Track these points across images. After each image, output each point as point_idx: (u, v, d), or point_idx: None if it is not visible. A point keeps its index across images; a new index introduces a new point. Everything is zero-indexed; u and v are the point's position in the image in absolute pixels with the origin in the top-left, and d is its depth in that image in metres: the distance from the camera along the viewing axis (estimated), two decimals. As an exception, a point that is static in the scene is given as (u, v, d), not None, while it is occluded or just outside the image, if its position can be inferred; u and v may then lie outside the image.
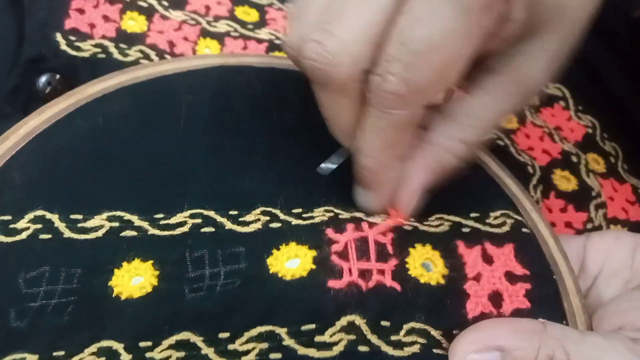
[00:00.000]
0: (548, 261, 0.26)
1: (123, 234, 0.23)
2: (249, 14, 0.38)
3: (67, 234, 0.22)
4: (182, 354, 0.20)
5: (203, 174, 0.25)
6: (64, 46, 0.31)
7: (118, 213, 0.23)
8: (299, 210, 0.25)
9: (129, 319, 0.21)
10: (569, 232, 0.33)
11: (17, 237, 0.22)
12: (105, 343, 0.20)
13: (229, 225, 0.24)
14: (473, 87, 0.24)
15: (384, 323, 0.22)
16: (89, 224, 0.23)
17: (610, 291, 0.26)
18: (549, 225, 0.27)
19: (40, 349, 0.20)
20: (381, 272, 0.23)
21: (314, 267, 0.22)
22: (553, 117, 0.39)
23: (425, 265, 0.24)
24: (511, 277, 0.25)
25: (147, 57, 0.33)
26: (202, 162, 0.26)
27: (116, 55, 0.32)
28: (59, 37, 0.31)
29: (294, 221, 0.24)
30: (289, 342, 0.21)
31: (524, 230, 0.26)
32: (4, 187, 0.24)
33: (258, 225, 0.24)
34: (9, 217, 0.23)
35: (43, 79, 0.31)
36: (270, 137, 0.28)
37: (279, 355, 0.20)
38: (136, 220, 0.23)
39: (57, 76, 0.31)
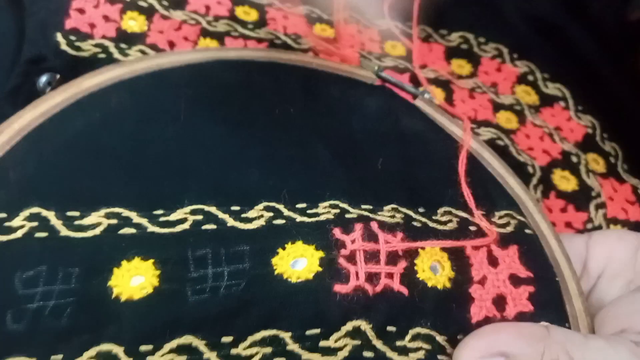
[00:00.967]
0: (551, 263, 0.26)
1: (122, 231, 0.22)
2: (249, 14, 0.37)
3: (64, 232, 0.22)
4: (183, 358, 0.20)
5: (203, 168, 0.25)
6: (64, 46, 0.31)
7: (116, 209, 0.23)
8: (303, 205, 0.24)
9: (129, 322, 0.20)
10: (570, 232, 0.33)
11: (13, 236, 0.21)
12: (104, 347, 0.20)
13: (231, 222, 0.23)
14: None
15: (390, 328, 0.22)
16: (86, 221, 0.22)
17: (613, 292, 0.26)
18: (551, 227, 0.27)
19: (38, 352, 0.19)
20: (389, 275, 0.23)
21: (320, 269, 0.22)
22: (553, 117, 0.39)
23: (433, 267, 0.24)
24: (515, 280, 0.24)
25: (147, 57, 0.32)
26: (202, 157, 0.25)
27: (116, 55, 0.32)
28: (59, 37, 0.31)
29: (299, 218, 0.24)
30: (292, 346, 0.20)
31: (527, 231, 0.26)
32: None
33: (261, 222, 0.23)
34: (4, 215, 0.22)
35: (43, 79, 0.31)
36: (272, 131, 0.27)
37: None
38: (135, 216, 0.23)
39: (57, 76, 0.31)
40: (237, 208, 0.23)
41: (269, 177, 0.25)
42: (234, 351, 0.20)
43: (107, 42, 0.32)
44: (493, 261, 0.25)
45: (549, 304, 0.24)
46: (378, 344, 0.21)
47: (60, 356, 0.19)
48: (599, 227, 0.34)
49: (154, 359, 0.20)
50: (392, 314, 0.22)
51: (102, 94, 0.26)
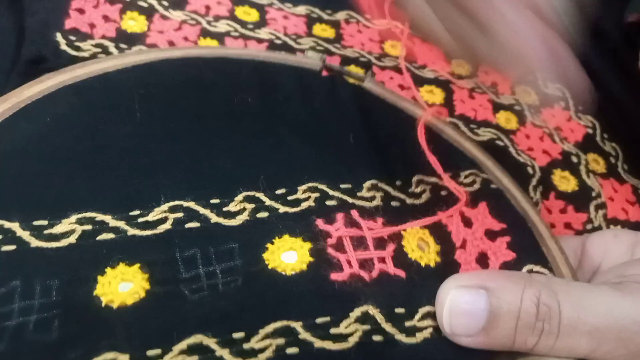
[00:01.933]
0: (520, 212, 0.27)
1: (100, 237, 0.21)
2: (249, 14, 0.37)
3: (35, 243, 0.20)
4: (195, 358, 0.19)
5: (172, 162, 0.24)
6: (64, 46, 0.31)
7: (88, 214, 0.21)
8: (283, 190, 0.24)
9: (130, 328, 0.19)
10: (569, 233, 0.33)
11: None
12: (108, 355, 0.18)
13: (214, 218, 0.23)
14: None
15: (399, 310, 0.22)
16: (57, 229, 0.21)
17: None
18: (512, 180, 0.29)
19: None
20: (382, 259, 0.23)
21: (312, 259, 0.22)
22: (553, 117, 0.39)
23: (420, 247, 0.24)
24: (491, 235, 0.25)
25: (147, 57, 0.33)
26: (168, 151, 0.24)
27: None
28: (59, 37, 0.31)
29: (281, 208, 0.23)
30: (304, 335, 0.20)
31: (492, 186, 0.27)
32: None
33: (245, 217, 0.23)
34: None
35: (43, 79, 0.31)
36: (235, 121, 0.27)
37: (295, 350, 0.20)
38: (110, 220, 0.22)
39: (57, 76, 0.31)
40: (216, 201, 0.23)
41: (242, 165, 0.25)
42: (246, 346, 0.20)
43: (107, 42, 0.32)
44: (467, 222, 0.26)
45: (527, 247, 0.25)
46: (387, 326, 0.21)
47: None
48: (599, 228, 0.34)
49: None
50: (397, 296, 0.22)
51: (47, 100, 0.25)
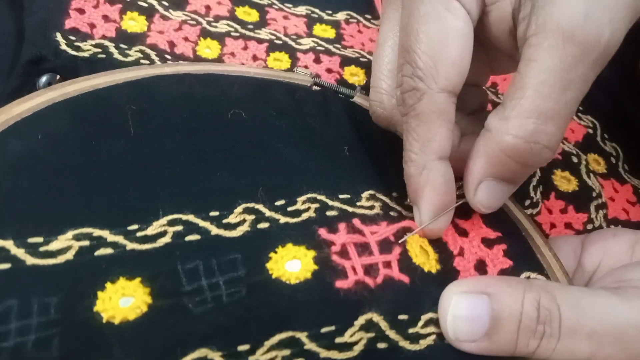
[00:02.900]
0: (513, 221, 0.27)
1: (98, 253, 0.21)
2: (249, 14, 0.37)
3: (30, 260, 0.20)
4: None
5: (169, 176, 0.24)
6: (64, 46, 0.31)
7: (85, 230, 0.21)
8: (282, 202, 0.24)
9: (132, 344, 0.19)
10: (569, 233, 0.33)
11: None
12: None
13: (214, 230, 0.22)
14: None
15: (402, 316, 0.22)
16: (53, 246, 0.20)
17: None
18: None
19: None
20: (387, 264, 0.23)
21: (316, 267, 0.22)
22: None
23: (422, 252, 0.24)
24: (487, 243, 0.25)
25: (147, 57, 0.33)
26: (164, 165, 0.24)
27: (116, 55, 0.32)
28: (59, 37, 0.31)
29: (282, 219, 0.23)
30: (310, 345, 0.20)
31: None
32: None
33: (246, 227, 0.23)
34: None
35: (43, 79, 0.31)
36: (229, 135, 0.27)
37: None
38: (108, 235, 0.21)
39: (57, 77, 0.31)
40: (216, 213, 0.23)
41: (240, 178, 0.24)
42: (252, 359, 0.19)
43: (107, 42, 0.32)
44: (462, 232, 0.26)
45: (523, 255, 0.25)
46: (391, 333, 0.21)
47: None
48: (600, 228, 0.34)
49: None
50: (401, 303, 0.22)
51: (38, 117, 0.25)
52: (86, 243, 0.21)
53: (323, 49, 0.37)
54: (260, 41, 0.36)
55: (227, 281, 0.21)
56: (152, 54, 0.33)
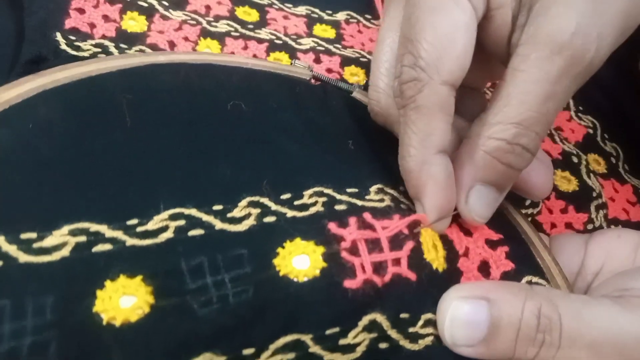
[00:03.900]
0: (513, 224, 0.27)
1: (96, 249, 0.19)
2: (249, 14, 0.37)
3: (23, 258, 0.19)
4: None
5: (169, 169, 0.22)
6: (64, 46, 0.31)
7: (81, 225, 0.20)
8: (288, 195, 0.23)
9: (135, 348, 0.18)
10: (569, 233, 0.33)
11: None
12: None
13: (218, 224, 0.21)
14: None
15: (403, 315, 0.21)
16: (48, 242, 0.19)
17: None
18: None
19: None
20: (396, 262, 0.22)
21: (325, 265, 0.21)
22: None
23: (433, 247, 0.24)
24: (491, 244, 0.25)
25: (147, 57, 0.32)
26: (163, 157, 0.23)
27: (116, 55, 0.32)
28: (59, 36, 0.31)
29: (289, 213, 0.22)
30: (314, 348, 0.20)
31: None
32: None
33: (251, 221, 0.21)
34: None
35: (43, 79, 0.31)
36: (230, 127, 0.25)
37: None
38: (106, 230, 0.20)
39: (58, 76, 0.31)
40: (219, 207, 0.22)
41: (243, 171, 0.23)
42: None
43: (107, 42, 0.32)
44: (467, 232, 0.25)
45: (524, 258, 0.25)
46: (393, 333, 0.21)
47: None
48: (600, 228, 0.34)
49: None
50: (404, 301, 0.22)
51: (27, 104, 0.23)
52: (83, 239, 0.19)
53: (323, 49, 0.37)
54: (260, 41, 0.36)
55: (233, 278, 0.20)
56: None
